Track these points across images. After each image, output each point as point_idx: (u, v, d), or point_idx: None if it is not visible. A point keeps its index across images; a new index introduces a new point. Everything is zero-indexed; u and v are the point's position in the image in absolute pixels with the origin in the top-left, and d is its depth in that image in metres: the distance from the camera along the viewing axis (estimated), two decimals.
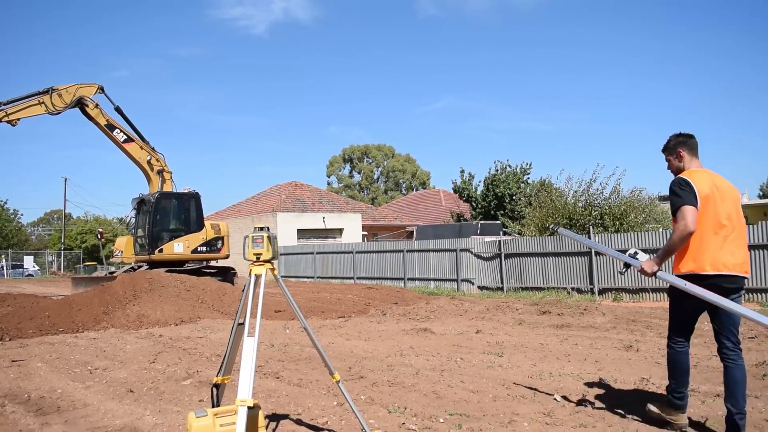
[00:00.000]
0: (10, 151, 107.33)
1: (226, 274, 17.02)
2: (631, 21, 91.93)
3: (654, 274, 3.97)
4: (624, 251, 4.41)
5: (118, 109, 16.26)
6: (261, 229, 3.54)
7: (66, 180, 51.48)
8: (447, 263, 18.31)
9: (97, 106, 16.05)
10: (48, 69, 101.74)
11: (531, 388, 5.02)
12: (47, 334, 9.10)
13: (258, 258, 3.50)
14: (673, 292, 3.88)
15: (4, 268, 37.68)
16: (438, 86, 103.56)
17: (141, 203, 16.63)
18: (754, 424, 3.89)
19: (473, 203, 29.33)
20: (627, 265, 4.24)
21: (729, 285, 3.65)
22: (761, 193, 57.01)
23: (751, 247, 11.92)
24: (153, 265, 15.77)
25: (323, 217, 29.39)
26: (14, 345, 8.07)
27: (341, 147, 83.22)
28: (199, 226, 16.84)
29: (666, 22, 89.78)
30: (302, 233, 28.57)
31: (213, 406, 3.52)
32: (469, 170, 35.17)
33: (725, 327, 3.74)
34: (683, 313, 3.89)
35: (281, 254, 25.55)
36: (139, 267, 16.05)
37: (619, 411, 4.26)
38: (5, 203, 48.76)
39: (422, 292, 16.88)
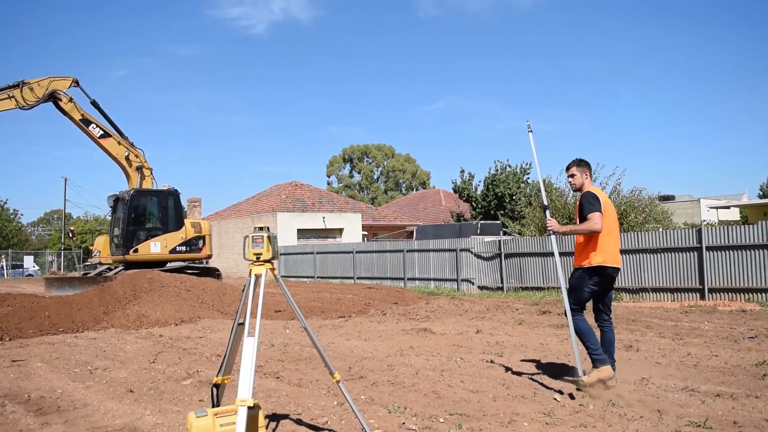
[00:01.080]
0: (10, 151, 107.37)
1: (210, 276, 15.94)
2: (631, 21, 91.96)
3: (553, 232, 5.23)
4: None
5: (94, 103, 15.56)
6: (261, 229, 3.54)
7: (66, 180, 51.57)
8: (447, 263, 18.31)
9: (71, 100, 15.24)
10: (48, 69, 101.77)
11: (531, 388, 5.02)
12: (47, 334, 9.10)
13: (258, 258, 3.50)
14: (578, 283, 5.05)
15: (4, 268, 37.68)
16: (438, 86, 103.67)
17: (117, 201, 15.93)
18: (755, 424, 3.89)
19: (473, 203, 29.33)
20: (545, 208, 5.67)
21: (616, 274, 5.09)
22: (761, 193, 56.99)
23: (751, 247, 11.93)
24: (129, 265, 15.15)
25: (323, 217, 29.39)
26: (14, 345, 8.07)
27: (341, 147, 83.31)
28: (178, 224, 16.09)
29: (666, 22, 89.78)
30: (302, 233, 28.58)
31: (213, 406, 3.52)
32: (469, 170, 35.23)
33: (606, 304, 5.13)
34: (584, 294, 5.05)
35: (281, 254, 25.55)
36: (116, 268, 15.43)
37: (619, 411, 4.26)
38: (5, 203, 48.84)
39: (422, 292, 16.88)
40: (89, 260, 18.79)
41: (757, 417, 4.05)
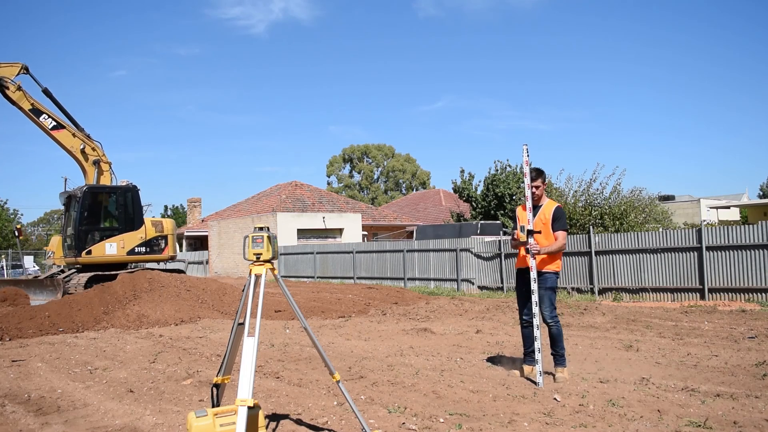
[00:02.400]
0: (10, 151, 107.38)
1: None
2: (630, 20, 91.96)
3: (537, 252, 5.29)
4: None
5: (46, 92, 14.41)
6: (261, 229, 3.54)
7: (66, 180, 51.32)
8: (447, 263, 18.32)
9: (19, 88, 14.01)
10: (47, 69, 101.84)
11: (531, 388, 5.02)
12: (47, 334, 9.11)
13: (258, 258, 3.51)
14: (554, 284, 5.48)
15: (4, 268, 37.66)
16: (438, 86, 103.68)
17: (70, 199, 14.57)
18: (755, 424, 3.89)
19: (473, 203, 29.32)
20: (530, 232, 5.33)
21: None
22: (761, 193, 57.02)
23: (751, 247, 11.93)
24: (84, 268, 14.00)
25: (323, 217, 29.38)
26: (14, 345, 8.07)
27: (341, 147, 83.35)
28: (137, 223, 14.81)
29: (666, 22, 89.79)
30: (302, 233, 28.57)
31: (213, 406, 3.52)
32: (469, 170, 35.21)
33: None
34: (555, 297, 5.55)
35: (281, 254, 25.55)
36: (70, 270, 14.31)
37: (619, 411, 4.26)
38: (5, 203, 48.81)
39: (422, 292, 16.88)
40: (45, 260, 17.95)
41: (757, 417, 4.05)
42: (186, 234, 38.37)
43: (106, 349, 7.48)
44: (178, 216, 61.56)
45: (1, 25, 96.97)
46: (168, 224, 15.64)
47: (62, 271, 14.64)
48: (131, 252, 14.59)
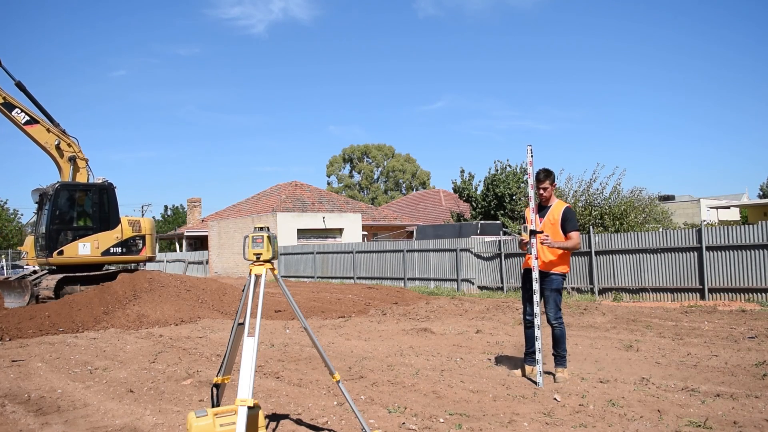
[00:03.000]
0: (11, 151, 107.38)
1: None
2: (630, 20, 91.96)
3: (545, 242, 5.30)
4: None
5: (19, 85, 13.92)
6: (261, 229, 3.54)
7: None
8: (447, 263, 18.32)
9: None
10: (47, 69, 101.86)
11: (531, 388, 5.02)
12: (47, 334, 9.11)
13: (258, 258, 3.51)
14: (560, 286, 5.45)
15: (4, 268, 37.68)
16: (438, 86, 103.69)
17: (42, 196, 13.90)
18: (755, 424, 3.89)
19: (473, 203, 29.31)
20: (533, 233, 5.30)
21: None
22: (761, 193, 57.01)
23: (751, 247, 11.93)
24: (59, 269, 13.30)
25: (323, 217, 29.38)
26: (14, 345, 8.08)
27: (341, 147, 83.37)
28: (113, 223, 14.06)
29: (666, 22, 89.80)
30: (302, 233, 28.58)
31: (213, 406, 3.52)
32: (469, 170, 35.32)
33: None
34: (561, 299, 5.52)
35: (281, 254, 25.55)
36: (42, 271, 13.70)
37: (619, 411, 4.26)
38: (5, 203, 48.81)
39: (422, 292, 16.88)
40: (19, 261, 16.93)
41: (757, 417, 4.05)
42: (186, 234, 38.37)
43: (106, 349, 7.48)
44: (178, 216, 61.55)
45: (1, 25, 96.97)
46: (146, 223, 14.93)
47: (35, 271, 14.09)
48: (106, 252, 13.83)
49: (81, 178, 14.28)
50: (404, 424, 4.01)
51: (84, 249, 13.51)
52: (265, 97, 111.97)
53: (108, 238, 13.87)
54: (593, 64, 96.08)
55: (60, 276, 12.74)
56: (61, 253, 13.18)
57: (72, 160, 14.15)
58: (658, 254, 13.29)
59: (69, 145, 14.19)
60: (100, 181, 14.52)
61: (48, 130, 13.94)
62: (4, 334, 8.77)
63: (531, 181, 5.43)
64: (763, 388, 4.83)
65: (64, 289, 12.40)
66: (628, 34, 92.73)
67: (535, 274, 5.25)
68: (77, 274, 12.95)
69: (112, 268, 14.65)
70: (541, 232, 5.33)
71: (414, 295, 15.32)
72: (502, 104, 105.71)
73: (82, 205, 14.02)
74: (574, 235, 5.39)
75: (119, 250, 13.97)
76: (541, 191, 5.48)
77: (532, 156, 5.46)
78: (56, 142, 13.97)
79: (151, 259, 14.90)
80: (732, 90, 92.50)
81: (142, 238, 14.50)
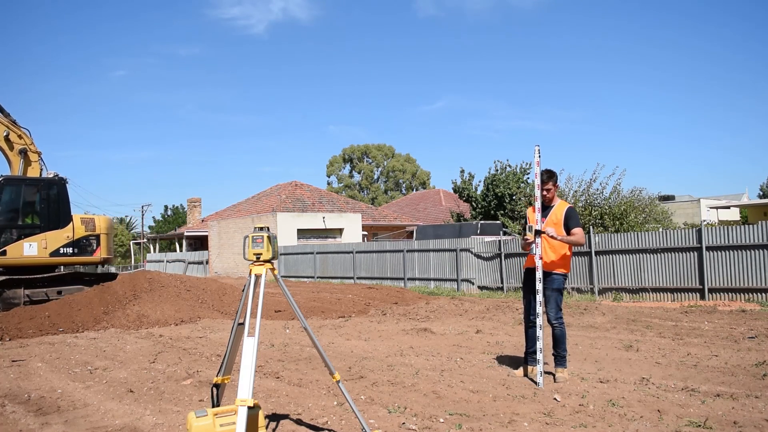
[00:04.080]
0: None
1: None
2: (631, 20, 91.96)
3: (552, 236, 5.36)
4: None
5: None
6: (261, 229, 3.54)
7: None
8: (447, 263, 18.31)
9: None
10: (47, 69, 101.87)
11: (531, 388, 5.02)
12: (47, 334, 9.11)
13: (258, 258, 3.50)
14: (561, 286, 5.49)
15: None
16: (438, 86, 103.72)
17: None
18: (755, 424, 3.89)
19: (473, 203, 29.31)
20: (538, 232, 5.33)
21: None
22: (761, 193, 57.02)
23: (751, 247, 11.93)
24: (5, 271, 11.99)
25: (323, 217, 29.38)
26: (14, 345, 8.07)
27: (341, 147, 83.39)
28: (63, 221, 12.69)
29: (666, 22, 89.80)
30: (302, 233, 28.58)
31: (213, 406, 3.52)
32: (469, 170, 35.27)
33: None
34: (562, 299, 5.57)
35: (281, 254, 25.55)
36: None
37: (619, 411, 4.26)
38: None
39: (422, 292, 16.88)
40: None
41: (757, 417, 4.05)
42: (186, 234, 38.36)
43: (106, 349, 7.48)
44: (178, 216, 61.56)
45: (1, 25, 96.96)
46: (101, 222, 13.53)
47: None
48: (55, 253, 12.49)
49: (33, 173, 13.06)
50: (404, 424, 4.01)
51: (30, 249, 12.25)
52: (265, 97, 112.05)
53: (57, 238, 12.56)
54: (593, 64, 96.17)
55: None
56: (3, 253, 11.91)
57: (23, 153, 12.87)
58: (658, 254, 13.29)
59: (20, 136, 12.97)
60: (50, 175, 13.24)
61: None
62: (4, 334, 8.76)
63: (538, 181, 5.42)
64: (763, 388, 4.83)
65: (6, 293, 11.31)
66: (628, 34, 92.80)
67: (539, 274, 5.25)
68: (21, 277, 11.71)
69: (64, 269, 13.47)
70: (545, 232, 5.35)
71: (414, 295, 15.32)
72: (502, 104, 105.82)
73: (28, 202, 12.74)
74: (578, 231, 5.45)
75: (70, 250, 12.70)
76: (544, 192, 5.50)
77: (539, 156, 5.44)
78: (5, 134, 12.69)
79: (106, 261, 13.68)
80: (732, 90, 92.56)
81: (97, 237, 13.21)
